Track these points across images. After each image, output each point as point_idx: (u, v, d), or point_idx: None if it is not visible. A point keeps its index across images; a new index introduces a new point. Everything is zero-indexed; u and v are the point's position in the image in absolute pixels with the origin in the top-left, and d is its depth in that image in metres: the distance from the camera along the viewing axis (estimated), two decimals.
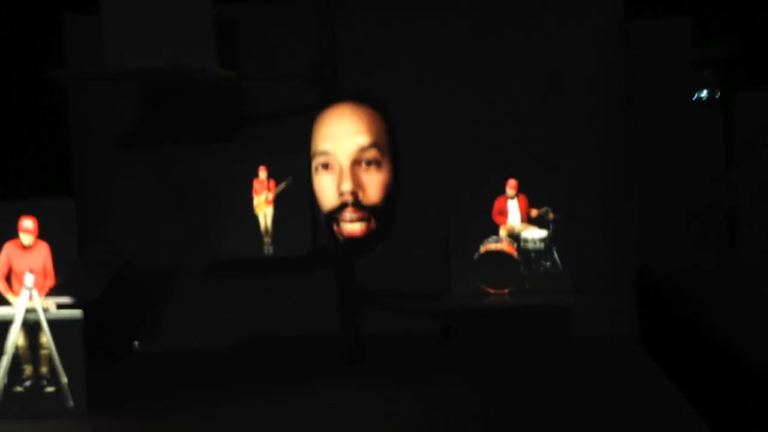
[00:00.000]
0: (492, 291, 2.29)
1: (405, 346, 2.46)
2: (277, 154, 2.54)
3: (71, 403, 1.98)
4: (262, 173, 2.53)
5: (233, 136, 2.59)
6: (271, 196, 2.55)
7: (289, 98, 2.57)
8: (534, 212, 2.28)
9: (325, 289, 2.58)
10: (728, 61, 2.94)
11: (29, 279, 1.99)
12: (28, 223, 2.04)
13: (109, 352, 2.49)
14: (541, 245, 2.30)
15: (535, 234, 2.30)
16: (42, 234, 2.05)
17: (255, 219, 2.56)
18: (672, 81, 2.73)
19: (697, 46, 2.79)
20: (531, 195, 2.30)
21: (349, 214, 2.41)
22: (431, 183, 2.41)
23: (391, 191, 2.49)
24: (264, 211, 2.56)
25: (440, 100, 2.42)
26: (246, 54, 2.55)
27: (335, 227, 2.47)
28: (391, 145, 2.50)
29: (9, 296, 2.01)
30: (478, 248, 2.30)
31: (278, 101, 2.57)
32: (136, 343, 2.66)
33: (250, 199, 2.55)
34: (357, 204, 2.47)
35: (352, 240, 2.39)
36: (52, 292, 2.02)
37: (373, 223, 2.40)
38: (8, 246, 2.04)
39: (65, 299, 2.03)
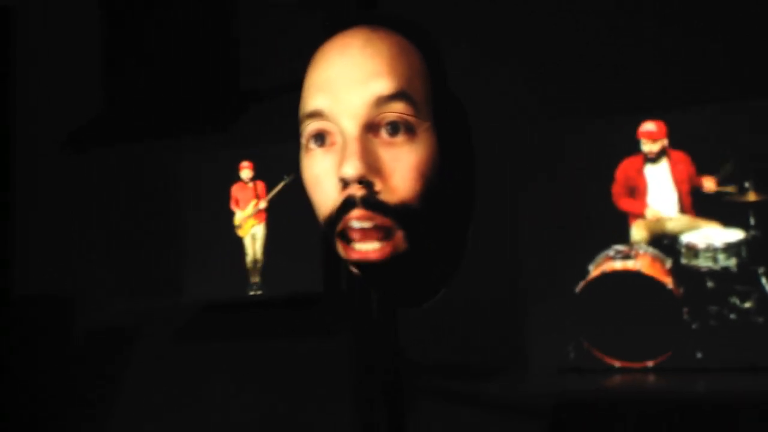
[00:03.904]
0: (617, 363, 1.04)
1: None
2: (267, 143, 1.54)
3: None
4: (245, 173, 1.53)
5: (199, 120, 1.72)
6: (263, 205, 1.52)
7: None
8: (709, 183, 1.03)
9: (341, 364, 1.50)
10: None
11: None
12: None
13: None
14: (730, 261, 1.02)
15: (713, 236, 1.03)
16: None
17: (237, 245, 1.55)
18: None
19: None
20: (699, 152, 1.05)
21: (357, 221, 1.15)
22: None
23: (433, 181, 1.19)
24: (251, 232, 1.53)
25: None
26: None
27: (340, 246, 1.23)
28: (435, 101, 1.22)
29: None
30: (587, 270, 1.08)
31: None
32: None
33: (229, 215, 1.54)
34: (372, 202, 1.17)
35: (367, 268, 1.17)
36: None
37: (400, 240, 1.14)
38: None
39: None
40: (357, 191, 1.14)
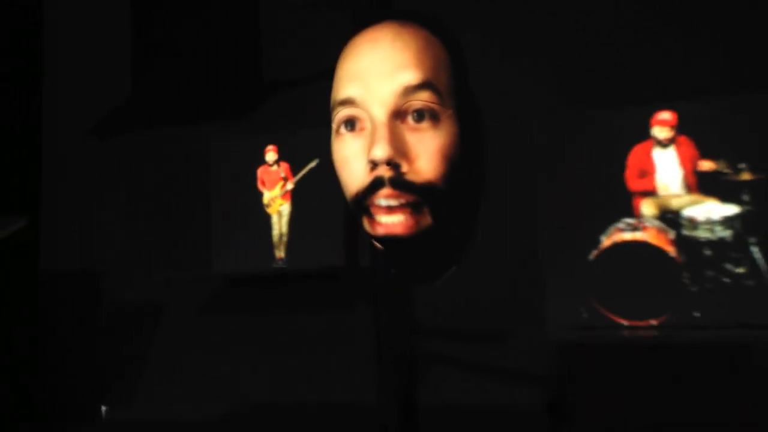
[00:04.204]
0: (624, 322, 1.18)
1: (484, 420, 1.40)
2: (293, 129, 1.66)
3: None
4: (270, 155, 1.65)
5: (226, 105, 1.82)
6: (290, 186, 1.64)
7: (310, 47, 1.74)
8: (707, 165, 1.17)
9: (363, 333, 1.62)
10: None
11: None
12: None
13: (61, 421, 1.78)
14: (726, 233, 1.17)
15: (712, 211, 1.18)
16: None
17: (264, 222, 1.66)
18: None
19: None
20: (702, 138, 1.19)
21: (384, 199, 1.30)
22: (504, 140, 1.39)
23: (455, 164, 1.36)
24: (279, 210, 1.65)
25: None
26: None
27: (366, 222, 1.39)
28: (458, 91, 1.38)
29: None
30: (599, 240, 1.22)
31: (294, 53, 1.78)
32: (102, 408, 1.83)
33: (256, 195, 1.66)
34: (399, 182, 1.34)
35: (392, 243, 1.33)
36: None
37: (426, 216, 1.31)
38: None
39: None
40: (385, 172, 1.28)
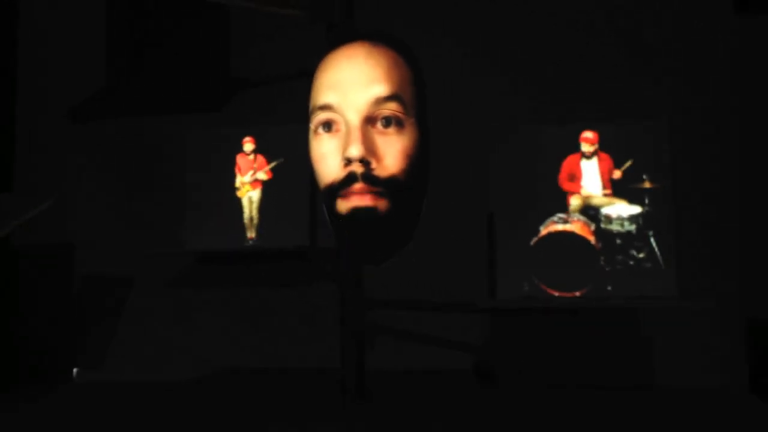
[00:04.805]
0: (556, 293, 1.53)
1: (425, 382, 1.72)
2: (268, 124, 1.89)
3: None
4: (248, 146, 1.88)
5: (212, 99, 2.03)
6: (261, 175, 1.88)
7: (287, 52, 1.95)
8: (617, 174, 1.53)
9: (324, 304, 1.88)
10: None
11: None
12: None
13: (40, 381, 1.90)
14: (632, 227, 1.54)
15: (622, 210, 1.54)
16: None
17: (236, 204, 1.89)
18: None
19: None
20: (617, 154, 1.56)
21: (356, 193, 1.58)
22: (466, 144, 1.71)
23: (415, 162, 1.66)
24: (248, 195, 1.89)
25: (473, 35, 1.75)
26: None
27: (339, 201, 1.65)
28: (418, 103, 1.69)
29: None
30: (537, 230, 1.55)
31: (273, 55, 1.99)
32: (75, 370, 1.98)
33: (232, 179, 1.89)
34: (369, 177, 1.63)
35: (357, 215, 1.61)
36: None
37: (387, 202, 1.59)
38: None
39: None
40: (358, 168, 1.58)
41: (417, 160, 1.65)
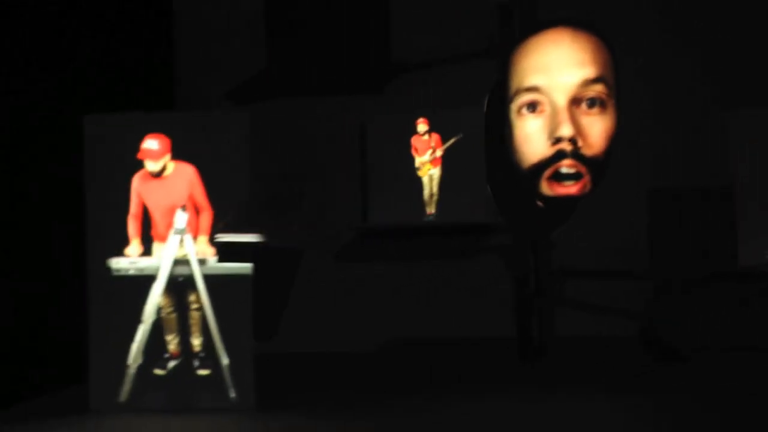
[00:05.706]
0: None
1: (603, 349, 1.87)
2: (438, 106, 2.01)
3: (233, 393, 1.41)
4: (422, 126, 1.97)
5: (384, 83, 2.09)
6: (439, 153, 1.97)
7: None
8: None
9: (496, 276, 1.95)
10: None
11: (181, 218, 1.41)
12: (151, 144, 1.44)
13: None
14: None
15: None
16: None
17: (416, 183, 1.99)
18: None
19: None
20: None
21: (566, 168, 1.71)
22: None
23: (612, 143, 1.80)
24: (429, 173, 1.98)
25: None
26: None
27: (543, 185, 1.79)
28: (617, 85, 1.82)
29: (154, 245, 1.44)
30: None
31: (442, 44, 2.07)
32: None
33: (409, 159, 1.98)
34: (577, 154, 1.77)
35: (562, 202, 1.74)
36: (216, 231, 1.44)
37: (587, 183, 1.72)
38: (136, 179, 1.45)
39: (241, 237, 1.44)
40: (567, 146, 1.69)
41: (613, 140, 1.75)
